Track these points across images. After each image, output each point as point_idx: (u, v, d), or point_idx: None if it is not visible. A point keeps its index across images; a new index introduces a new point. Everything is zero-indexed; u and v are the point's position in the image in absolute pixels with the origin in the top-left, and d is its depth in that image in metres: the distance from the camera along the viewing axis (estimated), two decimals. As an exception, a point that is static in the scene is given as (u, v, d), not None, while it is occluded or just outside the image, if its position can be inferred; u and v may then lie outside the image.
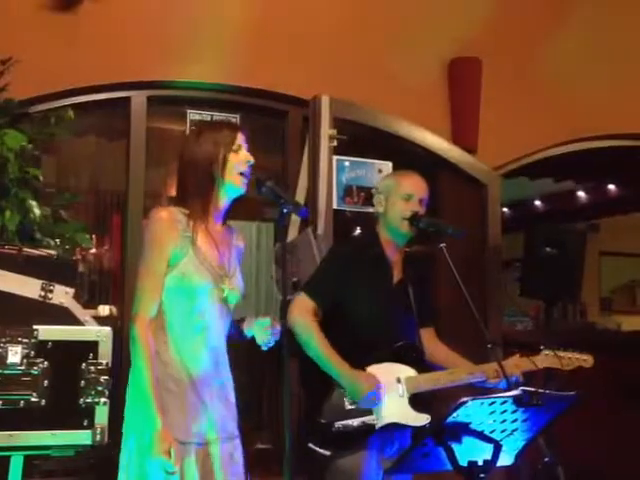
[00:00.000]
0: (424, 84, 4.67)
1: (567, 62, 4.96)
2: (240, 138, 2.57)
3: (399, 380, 3.03)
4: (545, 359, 3.11)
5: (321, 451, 2.91)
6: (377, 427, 2.95)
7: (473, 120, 4.73)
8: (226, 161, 2.52)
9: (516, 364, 3.08)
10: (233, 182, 2.54)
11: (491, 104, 4.70)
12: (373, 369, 3.01)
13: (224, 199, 2.58)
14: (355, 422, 2.93)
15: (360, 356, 3.00)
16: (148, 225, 2.51)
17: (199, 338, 2.49)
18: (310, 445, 2.91)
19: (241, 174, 2.54)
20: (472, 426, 2.37)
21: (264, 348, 2.57)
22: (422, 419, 3.00)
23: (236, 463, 2.54)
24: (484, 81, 4.72)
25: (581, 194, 8.53)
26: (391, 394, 3.00)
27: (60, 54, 3.85)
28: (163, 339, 2.45)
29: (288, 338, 2.57)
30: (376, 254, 3.12)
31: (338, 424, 2.91)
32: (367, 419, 2.94)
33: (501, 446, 2.45)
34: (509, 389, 2.78)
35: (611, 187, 8.13)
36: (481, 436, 2.41)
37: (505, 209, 7.40)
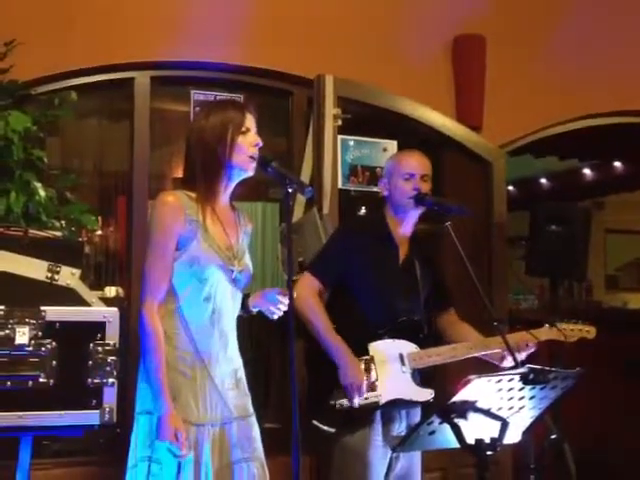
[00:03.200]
0: (428, 62, 4.64)
1: (572, 38, 4.92)
2: (249, 119, 2.55)
3: (401, 356, 3.04)
4: (548, 332, 3.12)
5: (325, 428, 2.93)
6: (380, 404, 2.97)
7: (478, 98, 4.70)
8: (234, 143, 2.50)
9: (521, 337, 3.09)
10: (241, 165, 2.53)
11: (495, 81, 4.67)
12: (375, 345, 3.03)
13: (231, 181, 2.57)
14: (358, 400, 2.94)
15: (363, 333, 3.02)
16: (154, 210, 2.51)
17: (211, 321, 2.49)
18: (314, 422, 2.93)
19: (250, 157, 2.52)
20: (479, 404, 2.38)
21: (273, 317, 2.60)
22: (425, 394, 3.02)
23: (253, 441, 2.56)
24: (488, 58, 4.68)
25: (586, 171, 8.51)
26: (394, 370, 3.02)
27: (63, 35, 3.83)
28: (175, 323, 2.47)
29: (295, 318, 2.59)
30: (382, 234, 3.13)
31: (340, 401, 2.93)
32: (370, 396, 2.96)
33: (508, 423, 2.46)
34: (516, 365, 2.80)
35: (616, 164, 8.10)
36: (488, 414, 2.42)
37: (510, 187, 7.39)
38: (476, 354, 3.11)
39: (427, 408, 3.00)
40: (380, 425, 3.01)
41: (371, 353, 3.03)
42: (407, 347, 3.06)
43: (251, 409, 2.59)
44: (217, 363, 2.50)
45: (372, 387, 2.97)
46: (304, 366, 3.11)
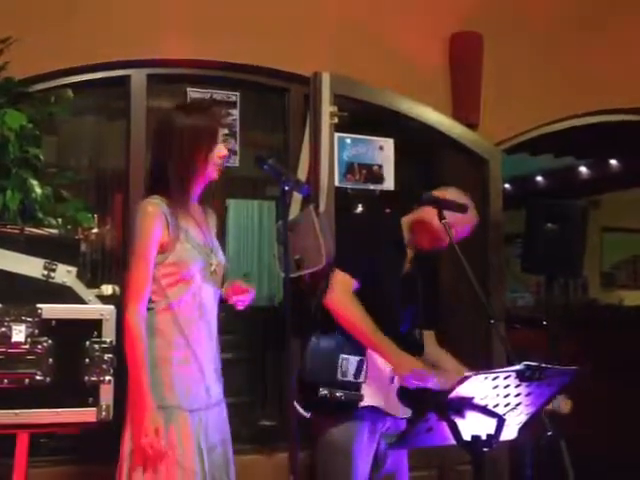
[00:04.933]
0: (425, 60, 4.63)
1: (569, 36, 4.93)
2: (221, 131, 2.69)
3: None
4: None
5: (301, 411, 2.95)
6: (359, 405, 2.99)
7: (474, 95, 4.70)
8: (208, 156, 2.65)
9: None
10: (210, 174, 2.69)
11: (492, 79, 4.67)
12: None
13: (201, 184, 2.72)
14: (340, 393, 2.96)
15: None
16: (137, 220, 2.66)
17: (199, 314, 2.65)
18: (295, 403, 2.95)
19: (217, 166, 2.69)
20: (475, 401, 2.39)
21: (239, 308, 2.76)
22: (403, 412, 3.06)
23: (225, 424, 2.76)
24: (485, 56, 4.68)
25: (582, 169, 8.52)
26: (381, 379, 3.06)
27: (59, 33, 3.83)
28: (167, 320, 2.61)
29: (291, 315, 2.60)
30: (397, 242, 3.16)
31: (323, 390, 2.95)
32: (352, 394, 2.99)
33: (504, 420, 2.47)
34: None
35: (612, 162, 8.11)
36: (484, 410, 2.42)
37: (506, 185, 7.39)
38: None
39: (422, 405, 3.01)
40: (365, 421, 3.03)
41: (368, 355, 3.04)
42: None
43: (221, 392, 2.77)
44: (204, 353, 2.65)
45: (357, 387, 2.99)
46: (302, 358, 3.12)
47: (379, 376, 3.06)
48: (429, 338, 3.31)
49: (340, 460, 3.00)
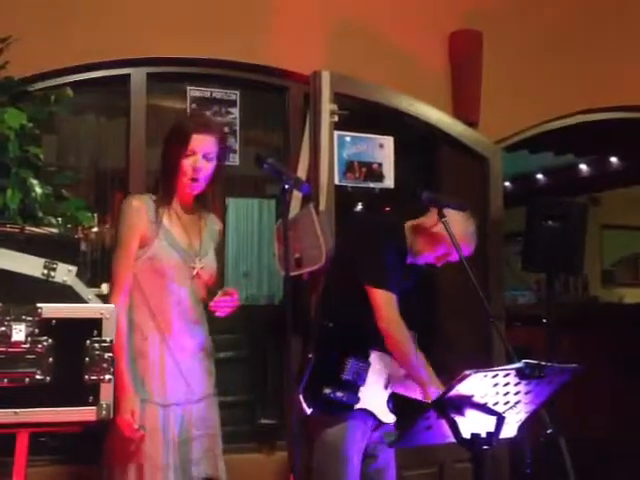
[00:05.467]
0: (425, 58, 4.63)
1: (569, 34, 4.92)
2: (196, 141, 2.74)
3: (389, 376, 3.08)
4: None
5: (304, 406, 2.97)
6: (355, 407, 3.01)
7: (474, 93, 4.70)
8: (176, 167, 2.76)
9: None
10: (183, 186, 2.79)
11: (492, 77, 4.67)
12: (376, 354, 3.08)
13: (184, 191, 2.81)
14: (341, 393, 2.98)
15: (365, 337, 3.04)
16: (121, 212, 2.78)
17: (174, 311, 2.73)
18: (300, 397, 2.96)
19: (190, 179, 2.77)
20: (475, 399, 2.39)
21: (218, 314, 2.80)
22: (389, 418, 3.10)
23: (210, 420, 2.82)
24: (485, 54, 4.68)
25: (582, 167, 8.51)
26: (377, 384, 3.09)
27: (59, 31, 3.83)
28: (143, 312, 2.73)
29: (291, 314, 2.60)
30: (402, 248, 3.17)
31: (327, 390, 2.96)
32: (352, 396, 3.00)
33: (504, 418, 2.47)
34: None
35: (612, 160, 8.10)
36: (484, 409, 2.42)
37: (507, 183, 7.39)
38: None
39: (423, 403, 3.02)
40: (359, 421, 3.04)
41: (370, 359, 3.07)
42: (396, 368, 3.10)
43: (211, 390, 2.85)
44: (182, 349, 2.75)
45: (356, 389, 3.01)
46: (313, 354, 3.13)
47: (376, 381, 3.09)
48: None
49: (335, 460, 3.02)
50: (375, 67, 4.39)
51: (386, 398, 3.12)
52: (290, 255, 3.54)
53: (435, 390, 2.97)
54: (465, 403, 2.39)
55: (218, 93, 4.32)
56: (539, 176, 9.05)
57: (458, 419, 2.41)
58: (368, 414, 3.06)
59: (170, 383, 2.71)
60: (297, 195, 3.94)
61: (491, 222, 4.62)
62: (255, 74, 4.32)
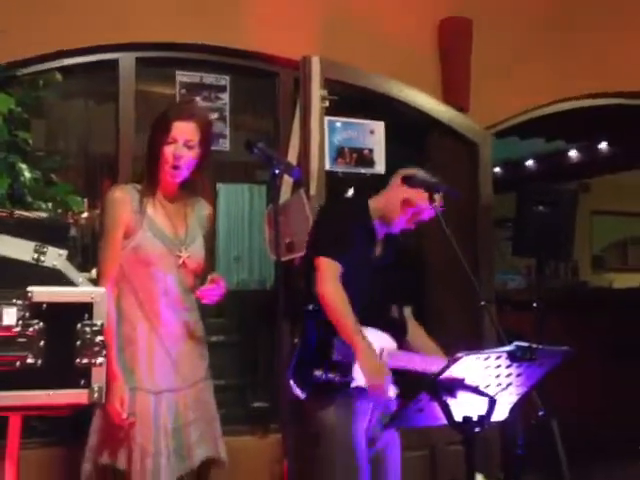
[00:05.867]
0: (415, 44, 4.63)
1: (559, 20, 4.92)
2: (177, 129, 2.75)
3: (382, 350, 3.07)
4: None
5: (298, 391, 2.96)
6: (350, 387, 2.99)
7: (464, 80, 4.70)
8: (159, 154, 2.76)
9: None
10: (165, 173, 2.79)
11: (482, 63, 4.67)
12: (365, 331, 3.04)
13: (168, 180, 2.81)
14: (332, 375, 2.97)
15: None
16: (105, 203, 2.80)
17: (162, 300, 2.74)
18: (291, 381, 2.95)
19: (172, 167, 2.77)
20: (467, 381, 2.40)
21: (203, 301, 2.80)
22: (391, 391, 3.05)
23: (204, 403, 2.84)
24: (475, 40, 4.67)
25: (572, 153, 8.53)
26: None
27: (47, 16, 3.80)
28: (130, 301, 2.75)
29: (282, 298, 2.60)
30: (368, 225, 3.15)
31: (318, 373, 2.96)
32: (344, 377, 2.99)
33: (495, 401, 2.48)
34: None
35: (602, 146, 8.12)
36: (476, 391, 2.43)
37: (497, 169, 7.41)
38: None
39: (415, 385, 3.01)
40: (359, 399, 3.02)
41: None
42: (388, 343, 3.11)
43: (204, 374, 2.86)
44: (171, 336, 2.76)
45: (349, 368, 2.99)
46: (299, 338, 3.13)
47: None
48: (405, 315, 3.28)
49: (342, 439, 2.98)
50: (365, 53, 4.38)
51: None
52: (281, 240, 3.52)
53: (363, 362, 2.92)
54: (457, 385, 2.39)
55: (208, 78, 4.30)
56: (529, 162, 9.07)
57: (450, 401, 2.41)
58: (364, 391, 3.05)
59: (160, 370, 2.73)
60: (288, 180, 3.94)
61: (481, 207, 4.63)
62: (245, 60, 4.30)
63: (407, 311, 3.30)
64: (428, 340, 3.25)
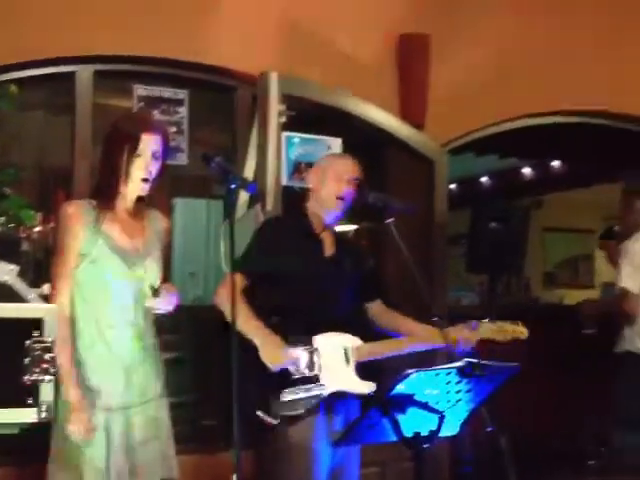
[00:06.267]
0: (373, 60, 4.67)
1: (514, 38, 4.98)
2: (145, 141, 2.72)
3: (345, 349, 3.07)
4: (485, 330, 3.18)
5: (269, 419, 2.94)
6: (323, 395, 2.99)
7: (421, 96, 4.74)
8: (128, 169, 2.72)
9: (459, 332, 3.15)
10: (135, 187, 2.76)
11: (439, 80, 4.72)
12: (320, 338, 3.05)
13: (131, 196, 2.79)
14: (302, 392, 2.96)
15: (299, 328, 3.03)
16: (59, 221, 2.77)
17: (119, 316, 2.72)
18: (258, 413, 2.94)
19: (143, 180, 2.74)
20: (417, 397, 2.43)
21: (160, 311, 2.81)
22: (367, 386, 3.06)
23: (160, 421, 2.81)
24: (433, 57, 4.72)
25: (525, 170, 8.65)
26: (337, 363, 3.05)
27: (4, 28, 3.77)
28: (87, 318, 2.71)
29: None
30: (303, 228, 3.17)
31: (286, 396, 2.94)
32: (314, 387, 2.98)
33: (445, 417, 2.51)
34: (462, 357, 2.86)
35: (554, 164, 8.25)
36: (425, 407, 2.46)
37: (452, 185, 7.48)
38: (419, 349, 3.16)
39: (366, 402, 3.03)
40: (323, 417, 3.03)
41: (315, 345, 3.03)
42: (351, 340, 3.10)
43: (159, 390, 2.83)
44: (128, 354, 2.73)
45: (316, 379, 2.99)
46: (250, 360, 3.12)
47: (334, 360, 3.04)
48: (378, 308, 3.30)
49: (303, 460, 2.97)
50: (323, 68, 4.41)
51: (352, 371, 3.06)
52: (235, 255, 3.52)
53: (272, 351, 2.94)
54: (407, 402, 2.42)
55: (166, 92, 4.30)
56: (484, 179, 9.18)
57: (400, 417, 2.44)
58: (338, 398, 3.02)
59: (116, 387, 2.71)
60: (244, 195, 3.94)
61: (436, 224, 4.68)
62: (203, 74, 4.31)
63: (375, 305, 3.30)
64: (410, 322, 3.25)
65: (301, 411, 2.95)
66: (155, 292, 2.77)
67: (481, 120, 5.01)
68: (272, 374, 2.96)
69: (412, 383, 2.38)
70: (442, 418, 2.51)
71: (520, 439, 3.61)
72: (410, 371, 2.35)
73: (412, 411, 2.45)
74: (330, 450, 3.03)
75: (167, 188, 3.97)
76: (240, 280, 3.00)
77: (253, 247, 3.15)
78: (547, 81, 5.03)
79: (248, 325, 2.97)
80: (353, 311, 3.20)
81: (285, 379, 2.97)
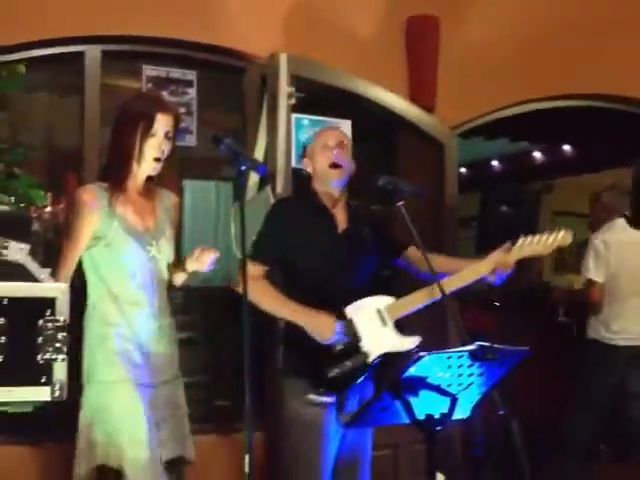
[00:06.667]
0: (382, 42, 4.64)
1: (524, 22, 4.95)
2: (160, 121, 2.76)
3: (379, 311, 3.05)
4: (522, 247, 3.10)
5: (323, 399, 2.94)
6: (370, 362, 2.99)
7: (431, 79, 4.72)
8: (142, 149, 2.75)
9: (494, 258, 3.11)
10: (147, 166, 2.78)
11: (448, 63, 4.70)
12: (351, 308, 3.04)
13: (142, 176, 2.82)
14: (348, 363, 2.96)
15: (318, 301, 3.03)
16: (73, 207, 2.78)
17: (136, 295, 2.74)
18: (310, 396, 2.94)
19: (156, 159, 2.77)
20: (429, 380, 2.42)
21: (205, 270, 2.88)
22: (412, 342, 3.04)
23: (176, 401, 2.84)
24: (442, 39, 4.70)
25: (536, 154, 8.62)
26: (374, 326, 3.03)
27: (12, 7, 3.74)
28: (104, 298, 2.74)
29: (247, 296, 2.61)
30: (314, 205, 3.18)
31: (334, 370, 2.95)
32: (359, 358, 2.98)
33: (457, 399, 2.51)
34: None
35: (565, 148, 8.22)
36: (438, 390, 2.46)
37: (462, 169, 7.46)
38: (456, 289, 3.10)
39: (378, 384, 3.03)
40: (335, 399, 3.03)
41: (348, 317, 3.03)
42: (382, 300, 3.09)
43: (175, 371, 2.88)
44: (145, 333, 2.75)
45: (357, 349, 2.99)
46: (281, 345, 3.16)
47: (371, 326, 3.03)
48: (414, 255, 3.26)
49: (314, 440, 2.99)
50: (333, 51, 4.38)
51: (392, 331, 3.06)
52: (246, 237, 3.52)
53: (321, 324, 2.97)
54: (419, 384, 2.42)
55: (175, 73, 4.27)
56: (494, 162, 9.15)
57: (412, 400, 2.43)
58: (385, 361, 3.01)
59: (135, 365, 2.72)
60: (254, 177, 3.93)
61: (446, 207, 4.67)
62: (213, 55, 4.28)
63: (411, 253, 3.27)
64: (451, 260, 3.25)
65: (348, 384, 2.96)
66: (179, 265, 2.83)
67: (491, 103, 4.99)
68: (317, 352, 2.96)
69: (424, 366, 2.38)
70: (454, 401, 2.50)
71: (532, 423, 3.62)
72: (422, 354, 2.35)
73: (424, 394, 2.45)
74: (339, 434, 3.04)
75: (177, 170, 3.97)
76: (260, 268, 3.04)
77: (266, 232, 3.15)
78: (557, 64, 5.00)
79: (287, 308, 3.02)
80: (379, 278, 3.20)
81: (328, 355, 2.97)
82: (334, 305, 3.04)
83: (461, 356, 2.43)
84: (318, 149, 3.24)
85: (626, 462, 4.84)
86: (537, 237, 3.10)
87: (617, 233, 4.76)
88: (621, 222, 4.79)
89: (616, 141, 6.68)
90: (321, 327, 2.98)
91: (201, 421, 3.73)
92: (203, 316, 3.97)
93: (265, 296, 3.03)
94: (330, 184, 3.20)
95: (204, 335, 3.96)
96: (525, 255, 3.09)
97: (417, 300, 3.10)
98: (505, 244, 3.12)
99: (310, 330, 2.98)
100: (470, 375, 2.51)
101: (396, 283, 3.38)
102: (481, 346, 2.45)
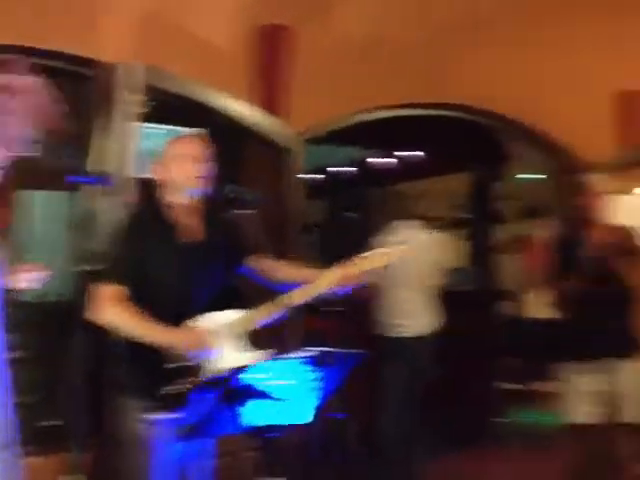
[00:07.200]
0: (233, 50, 4.68)
1: (376, 33, 5.06)
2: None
3: (228, 325, 3.01)
4: (364, 263, 3.05)
5: (159, 417, 2.85)
6: (225, 374, 2.92)
7: (279, 86, 4.79)
8: None
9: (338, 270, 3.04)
10: None
11: (301, 71, 4.77)
12: (200, 323, 2.98)
13: None
14: (187, 380, 2.88)
15: (167, 317, 2.99)
16: None
17: None
18: (146, 415, 2.88)
19: None
20: (264, 387, 2.46)
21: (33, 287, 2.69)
22: (261, 355, 2.98)
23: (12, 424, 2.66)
24: (296, 48, 4.77)
25: (381, 161, 8.86)
26: (224, 341, 3.00)
27: None
28: None
29: (79, 312, 2.51)
30: (162, 219, 3.08)
31: (171, 388, 2.87)
32: (198, 374, 2.92)
33: (294, 405, 2.55)
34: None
35: (412, 154, 8.49)
36: (273, 397, 2.49)
37: (312, 175, 7.58)
38: (303, 300, 3.02)
39: (212, 395, 3.03)
40: (173, 415, 3.00)
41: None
42: (230, 315, 3.04)
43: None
44: None
45: (200, 365, 2.93)
46: (118, 363, 3.06)
47: (221, 340, 2.98)
48: (262, 262, 3.21)
49: (146, 454, 2.92)
50: (180, 59, 4.38)
51: (240, 345, 3.02)
52: (90, 248, 3.47)
53: (184, 343, 2.91)
54: (253, 392, 2.45)
55: (18, 80, 4.15)
56: (344, 169, 9.32)
57: (246, 407, 2.46)
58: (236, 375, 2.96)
59: None
60: (98, 187, 3.88)
61: (290, 213, 4.73)
62: (60, 62, 4.20)
63: (259, 262, 3.21)
64: (302, 270, 3.16)
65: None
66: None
67: (339, 110, 5.08)
68: (154, 370, 2.89)
69: (260, 371, 2.42)
70: (291, 407, 2.53)
71: (367, 426, 3.65)
72: (259, 359, 2.38)
73: (258, 401, 2.47)
74: (178, 444, 3.01)
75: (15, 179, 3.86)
76: (117, 288, 2.92)
77: (118, 250, 3.05)
78: (410, 71, 5.13)
79: (151, 331, 2.90)
80: (228, 287, 3.14)
81: (166, 372, 2.90)
82: (186, 320, 2.97)
83: (299, 361, 2.49)
84: (174, 158, 3.10)
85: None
86: (376, 251, 3.13)
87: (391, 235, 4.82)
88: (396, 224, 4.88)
89: (460, 148, 7.00)
90: (195, 343, 2.91)
91: (29, 442, 3.62)
92: (36, 332, 3.81)
93: (127, 320, 2.91)
94: (187, 193, 3.09)
95: (36, 353, 3.80)
96: (366, 269, 3.11)
97: (265, 313, 3.05)
98: (349, 258, 3.15)
99: (180, 346, 2.90)
100: (308, 380, 2.54)
101: (247, 293, 3.35)
102: (319, 351, 2.51)
